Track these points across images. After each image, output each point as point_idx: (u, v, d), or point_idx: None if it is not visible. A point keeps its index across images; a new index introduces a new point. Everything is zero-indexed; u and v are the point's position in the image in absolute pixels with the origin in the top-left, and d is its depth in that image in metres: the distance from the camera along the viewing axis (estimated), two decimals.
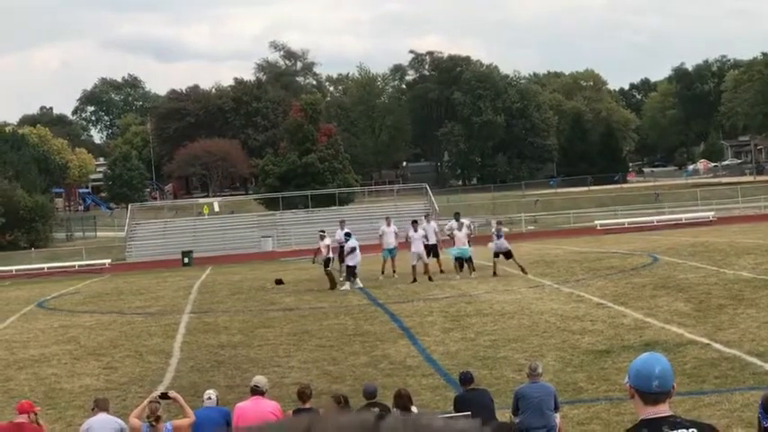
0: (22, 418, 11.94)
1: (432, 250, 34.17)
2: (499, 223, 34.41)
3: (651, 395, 4.84)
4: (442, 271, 33.79)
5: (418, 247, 33.25)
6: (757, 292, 24.15)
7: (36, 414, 12.20)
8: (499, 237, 32.97)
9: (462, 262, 32.75)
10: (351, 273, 32.47)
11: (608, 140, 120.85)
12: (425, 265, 33.20)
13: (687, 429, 4.82)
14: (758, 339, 18.17)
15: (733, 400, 14.12)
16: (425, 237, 33.78)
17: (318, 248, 33.68)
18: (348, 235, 33.21)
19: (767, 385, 13.43)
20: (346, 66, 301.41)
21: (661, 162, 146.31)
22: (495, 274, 32.35)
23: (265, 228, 65.69)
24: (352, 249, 32.64)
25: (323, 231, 34.40)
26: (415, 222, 34.82)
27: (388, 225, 35.30)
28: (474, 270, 32.63)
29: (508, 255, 32.63)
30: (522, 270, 31.99)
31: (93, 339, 24.71)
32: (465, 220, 35.51)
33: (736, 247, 36.12)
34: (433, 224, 36.06)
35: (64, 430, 15.07)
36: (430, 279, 32.47)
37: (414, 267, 33.00)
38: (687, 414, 10.38)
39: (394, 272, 34.44)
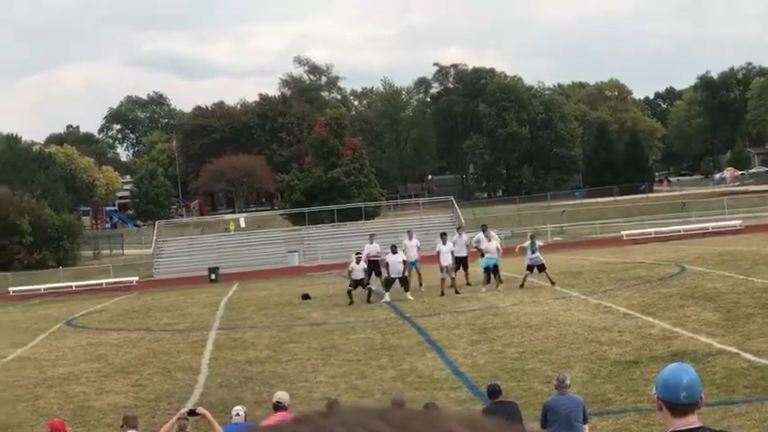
0: None
1: (461, 262, 34.17)
2: (532, 237, 34.09)
3: (679, 406, 4.79)
4: (468, 284, 33.77)
5: (447, 260, 33.25)
6: None
7: None
8: (534, 252, 32.76)
9: (490, 273, 32.67)
10: (390, 284, 32.49)
11: (633, 150, 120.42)
12: (453, 279, 33.18)
13: None
14: None
15: (763, 409, 14.03)
16: (453, 250, 33.74)
17: (350, 269, 33.62)
18: (395, 248, 33.22)
19: None
20: (370, 80, 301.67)
21: (687, 171, 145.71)
22: (522, 286, 32.23)
23: (291, 243, 65.81)
24: (403, 262, 32.76)
25: (359, 254, 34.16)
26: (443, 235, 34.83)
27: (411, 239, 35.24)
28: (501, 282, 32.51)
29: (542, 268, 32.48)
30: (551, 282, 31.89)
31: (122, 357, 24.82)
32: (492, 233, 35.55)
33: (764, 256, 35.90)
34: (465, 237, 35.98)
35: None
36: (456, 292, 32.43)
37: (442, 281, 32.98)
38: (716, 424, 10.33)
39: (420, 285, 34.32)
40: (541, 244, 33.46)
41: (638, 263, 38.50)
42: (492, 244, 33.02)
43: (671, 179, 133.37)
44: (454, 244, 34.12)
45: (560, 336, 21.98)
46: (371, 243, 35.52)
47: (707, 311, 23.55)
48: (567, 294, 29.73)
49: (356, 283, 32.94)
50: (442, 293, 32.37)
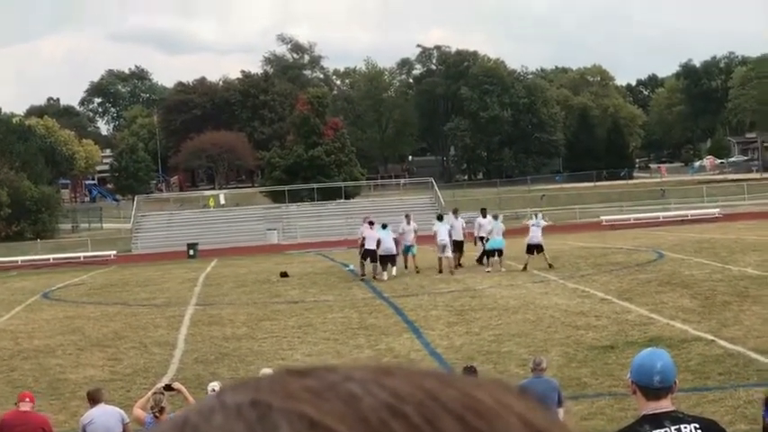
0: (27, 407, 12.00)
1: (457, 246, 34.02)
2: (535, 214, 34.51)
3: (652, 390, 4.84)
4: (459, 265, 33.64)
5: (443, 237, 33.26)
6: (762, 289, 24.11)
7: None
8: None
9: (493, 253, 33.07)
10: (384, 260, 32.61)
11: (614, 136, 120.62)
12: (446, 259, 33.16)
13: (689, 425, 4.82)
14: (763, 336, 18.14)
15: (736, 396, 14.12)
16: (450, 232, 33.72)
17: (363, 237, 33.48)
18: (385, 225, 33.40)
19: None
20: (353, 60, 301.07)
21: (667, 158, 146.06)
22: (525, 268, 32.01)
23: (271, 220, 65.69)
24: (395, 240, 33.03)
25: (372, 221, 34.34)
26: (439, 218, 35.36)
27: (408, 223, 34.66)
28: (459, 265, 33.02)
29: (539, 248, 32.50)
30: (549, 264, 32.18)
31: (98, 330, 24.75)
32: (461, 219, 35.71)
33: (741, 244, 36.07)
34: (461, 220, 35.61)
35: (68, 420, 15.09)
36: (450, 272, 32.54)
37: (440, 259, 33.18)
38: (691, 410, 10.37)
39: (416, 267, 33.88)
40: (543, 223, 33.72)
41: (616, 248, 38.61)
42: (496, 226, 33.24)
43: (650, 165, 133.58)
44: (452, 227, 34.05)
45: (537, 319, 22.04)
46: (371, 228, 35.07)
47: (684, 298, 23.65)
48: (544, 278, 29.80)
49: (367, 254, 32.73)
50: (440, 271, 32.67)
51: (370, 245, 32.63)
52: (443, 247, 33.23)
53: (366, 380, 0.65)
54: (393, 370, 0.67)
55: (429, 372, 0.68)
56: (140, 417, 11.86)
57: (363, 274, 32.76)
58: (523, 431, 0.63)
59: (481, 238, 33.75)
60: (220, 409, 0.63)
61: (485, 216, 34.54)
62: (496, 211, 36.01)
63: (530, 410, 0.65)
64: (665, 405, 4.87)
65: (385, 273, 32.29)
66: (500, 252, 32.91)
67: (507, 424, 0.63)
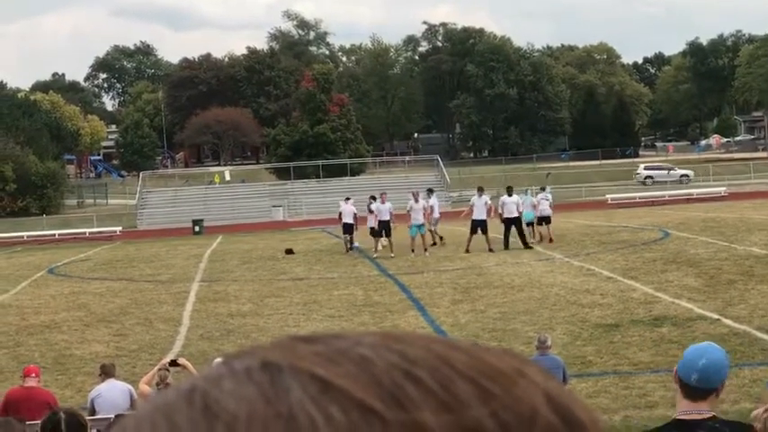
0: (32, 382, 12.01)
1: (481, 226, 32.62)
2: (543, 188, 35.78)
3: (689, 389, 4.38)
4: (491, 250, 31.95)
5: (436, 213, 35.00)
6: None
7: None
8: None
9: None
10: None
11: (620, 114, 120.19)
12: (431, 232, 34.36)
13: None
14: None
15: (741, 375, 14.11)
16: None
17: (340, 211, 35.37)
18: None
19: None
20: (359, 36, 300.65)
21: (674, 137, 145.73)
22: (551, 240, 33.42)
23: (276, 197, 65.77)
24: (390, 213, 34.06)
25: (349, 198, 36.39)
26: (430, 191, 36.79)
27: (417, 201, 33.38)
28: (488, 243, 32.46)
29: (548, 220, 34.04)
30: (548, 239, 33.38)
31: (104, 306, 24.80)
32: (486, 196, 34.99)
33: (747, 223, 36.05)
34: (485, 197, 33.73)
35: (74, 396, 15.12)
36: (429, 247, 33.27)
37: (430, 232, 34.10)
38: None
39: (425, 249, 32.45)
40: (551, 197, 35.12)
41: (622, 227, 38.62)
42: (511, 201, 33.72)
43: (656, 144, 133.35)
44: (474, 205, 33.18)
45: (542, 297, 22.04)
46: (383, 203, 33.90)
47: (689, 277, 23.65)
48: (550, 256, 29.81)
49: (345, 229, 34.23)
50: (434, 243, 34.02)
51: (347, 218, 34.39)
52: (436, 221, 34.96)
53: (376, 344, 0.64)
54: (401, 336, 0.66)
55: (437, 338, 0.67)
56: (146, 392, 11.88)
57: (350, 248, 34.63)
58: (538, 396, 0.62)
59: (507, 220, 32.95)
60: (229, 374, 0.61)
61: (510, 195, 33.57)
62: (525, 187, 36.73)
63: (542, 377, 0.65)
64: (701, 408, 4.37)
65: (382, 241, 33.22)
66: (530, 224, 33.97)
67: (522, 389, 0.62)
